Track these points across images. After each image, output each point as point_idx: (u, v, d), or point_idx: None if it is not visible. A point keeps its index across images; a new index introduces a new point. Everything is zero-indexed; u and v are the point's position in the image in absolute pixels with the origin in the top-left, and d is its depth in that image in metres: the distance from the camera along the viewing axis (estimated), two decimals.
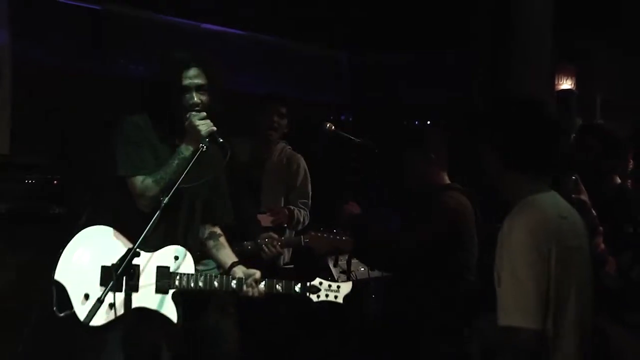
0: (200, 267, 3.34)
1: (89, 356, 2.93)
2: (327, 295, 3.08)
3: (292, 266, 4.50)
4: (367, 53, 6.68)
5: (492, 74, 5.23)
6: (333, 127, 4.00)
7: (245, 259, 3.18)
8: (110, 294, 2.57)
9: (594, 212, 2.87)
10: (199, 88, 2.95)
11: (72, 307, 2.85)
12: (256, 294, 3.00)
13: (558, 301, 2.22)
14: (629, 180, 3.70)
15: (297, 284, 3.06)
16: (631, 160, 3.61)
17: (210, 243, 3.19)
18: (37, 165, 4.18)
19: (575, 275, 2.28)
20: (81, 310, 2.84)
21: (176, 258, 2.97)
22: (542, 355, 2.19)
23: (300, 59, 6.53)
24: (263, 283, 3.01)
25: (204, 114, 2.91)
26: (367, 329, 4.33)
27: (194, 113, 2.91)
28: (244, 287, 2.99)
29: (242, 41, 6.10)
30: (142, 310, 2.87)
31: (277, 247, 3.92)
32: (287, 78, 6.30)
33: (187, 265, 2.98)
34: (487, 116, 2.47)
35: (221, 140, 2.88)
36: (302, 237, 3.93)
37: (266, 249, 3.89)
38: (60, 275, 2.89)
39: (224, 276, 3.02)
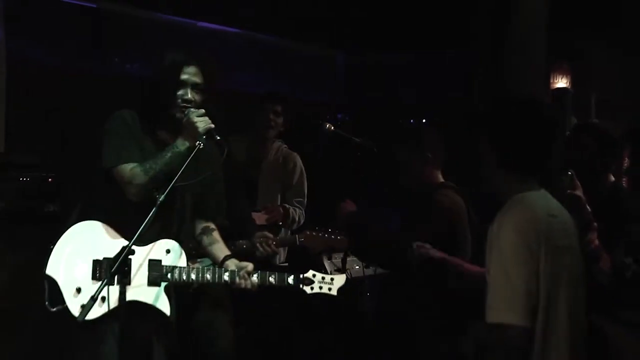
0: (196, 266, 3.34)
1: (84, 350, 2.92)
2: (320, 288, 3.09)
3: (286, 264, 4.51)
4: (364, 53, 6.68)
5: (490, 73, 5.23)
6: (332, 127, 4.01)
7: (240, 258, 3.18)
8: (98, 287, 2.58)
9: (588, 208, 2.87)
10: (194, 86, 2.98)
11: (64, 302, 2.86)
12: (249, 286, 3.00)
13: (548, 299, 2.22)
14: (624, 179, 3.71)
15: (290, 275, 3.07)
16: (626, 159, 3.61)
17: (204, 238, 3.20)
18: (33, 164, 4.18)
19: (566, 274, 2.29)
20: (73, 304, 2.85)
21: (168, 252, 2.98)
22: (530, 353, 2.19)
23: (297, 59, 6.53)
24: (256, 275, 3.01)
25: (202, 110, 2.92)
26: (362, 327, 4.34)
27: (192, 110, 2.92)
28: (237, 280, 2.99)
29: (240, 39, 6.10)
30: (135, 304, 2.87)
31: (272, 246, 3.92)
32: (285, 77, 6.30)
33: (179, 259, 2.98)
34: (486, 115, 2.48)
35: (218, 137, 2.89)
36: (297, 236, 3.94)
37: (261, 248, 3.90)
38: (51, 270, 2.90)
39: (217, 268, 3.03)
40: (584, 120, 5.94)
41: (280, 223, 4.39)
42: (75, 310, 2.83)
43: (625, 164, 3.45)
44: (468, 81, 5.81)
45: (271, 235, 3.97)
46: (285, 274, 3.07)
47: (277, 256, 4.35)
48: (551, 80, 6.43)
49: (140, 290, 2.91)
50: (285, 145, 4.66)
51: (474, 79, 5.62)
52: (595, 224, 2.84)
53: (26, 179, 4.08)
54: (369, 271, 4.17)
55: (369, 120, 6.31)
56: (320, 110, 6.17)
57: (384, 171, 3.97)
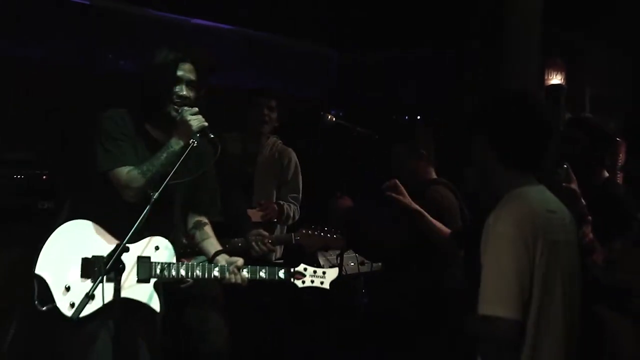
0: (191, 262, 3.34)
1: (76, 348, 2.92)
2: (312, 281, 3.10)
3: (282, 261, 4.50)
4: (357, 50, 6.68)
5: (484, 69, 5.25)
6: (334, 118, 4.03)
7: (235, 256, 3.17)
8: (92, 286, 2.57)
9: (583, 201, 2.88)
10: (189, 83, 3.00)
11: (53, 301, 2.85)
12: (239, 280, 3.01)
13: (543, 294, 2.22)
14: (619, 174, 3.71)
15: (281, 269, 3.07)
16: (621, 154, 3.62)
17: (197, 233, 3.20)
18: (26, 161, 4.17)
19: (562, 269, 2.28)
20: (63, 302, 2.85)
21: (157, 248, 2.98)
22: (522, 345, 2.20)
23: (291, 56, 6.53)
24: (246, 270, 3.02)
25: (196, 109, 2.94)
26: (356, 322, 4.34)
27: (186, 108, 2.94)
28: (227, 275, 3.00)
29: (233, 36, 6.10)
30: (125, 300, 2.86)
31: (268, 244, 3.91)
32: (278, 74, 6.30)
33: (168, 255, 2.99)
34: (482, 110, 2.48)
35: (212, 135, 2.90)
36: (292, 234, 3.93)
37: (256, 247, 3.89)
38: (41, 269, 2.89)
39: (206, 264, 3.03)
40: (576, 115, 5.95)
41: (275, 220, 4.38)
42: (65, 309, 2.83)
43: (620, 160, 3.46)
44: (461, 78, 5.82)
45: (266, 234, 3.97)
46: (276, 268, 3.07)
47: (273, 253, 4.34)
48: (546, 77, 6.45)
49: (130, 287, 2.90)
50: (281, 141, 4.65)
51: (467, 74, 5.63)
52: (589, 217, 2.85)
53: (20, 176, 4.07)
54: (364, 268, 4.18)
55: (362, 117, 6.31)
56: (313, 107, 6.16)
57: (380, 166, 3.98)
